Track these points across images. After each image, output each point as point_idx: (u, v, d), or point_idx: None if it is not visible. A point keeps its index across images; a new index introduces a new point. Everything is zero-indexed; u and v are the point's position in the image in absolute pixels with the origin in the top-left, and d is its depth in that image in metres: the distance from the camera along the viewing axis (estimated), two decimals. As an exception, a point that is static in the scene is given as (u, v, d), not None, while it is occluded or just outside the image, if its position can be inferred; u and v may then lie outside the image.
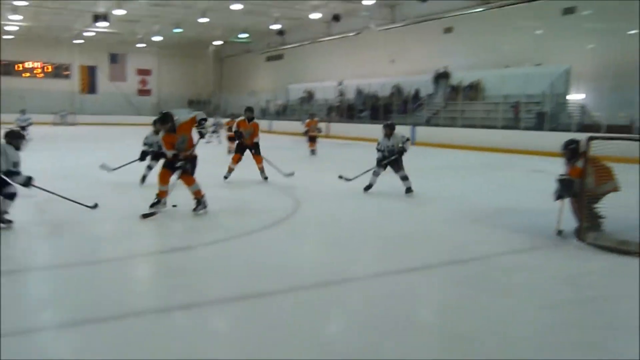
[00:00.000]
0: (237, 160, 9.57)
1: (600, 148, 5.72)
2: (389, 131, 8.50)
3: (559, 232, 5.79)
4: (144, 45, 37.59)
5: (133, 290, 4.17)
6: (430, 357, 3.06)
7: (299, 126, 18.25)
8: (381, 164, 8.42)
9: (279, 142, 16.21)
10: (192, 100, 41.00)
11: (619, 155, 5.65)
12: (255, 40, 34.33)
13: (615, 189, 5.73)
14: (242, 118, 9.73)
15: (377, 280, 4.44)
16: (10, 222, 5.70)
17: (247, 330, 3.38)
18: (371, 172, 8.58)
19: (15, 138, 5.78)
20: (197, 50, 41.00)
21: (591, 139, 5.65)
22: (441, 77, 23.61)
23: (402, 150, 8.40)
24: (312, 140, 16.31)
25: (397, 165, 8.41)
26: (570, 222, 5.78)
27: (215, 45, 39.65)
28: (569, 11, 20.01)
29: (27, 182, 5.72)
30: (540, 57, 20.60)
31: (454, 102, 22.36)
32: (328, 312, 3.80)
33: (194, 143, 6.70)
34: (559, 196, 5.84)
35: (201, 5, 25.55)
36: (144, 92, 42.08)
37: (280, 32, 30.61)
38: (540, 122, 18.28)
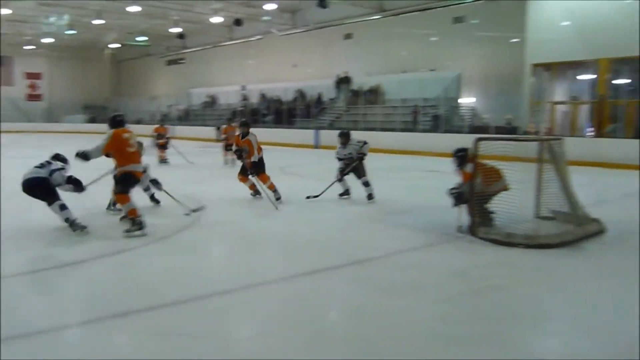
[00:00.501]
0: (245, 181, 8.50)
1: (488, 148, 6.18)
2: (345, 140, 8.41)
3: (459, 228, 6.16)
4: (33, 47, 35.28)
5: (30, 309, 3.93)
6: (333, 357, 3.15)
7: (208, 132, 17.32)
8: (343, 172, 8.37)
9: (184, 149, 15.67)
10: (87, 105, 39.03)
11: (511, 155, 6.15)
12: (154, 44, 33.33)
13: (505, 188, 6.19)
14: (237, 133, 8.67)
15: (281, 284, 4.49)
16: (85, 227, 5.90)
17: (157, 343, 3.30)
18: (336, 182, 8.50)
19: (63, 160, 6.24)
20: (92, 53, 39.10)
21: (479, 140, 6.07)
22: (342, 81, 24.18)
23: (362, 156, 8.35)
24: (229, 148, 13.76)
25: (359, 172, 8.33)
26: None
27: (111, 48, 38.03)
28: (458, 20, 21.26)
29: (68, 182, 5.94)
30: (434, 63, 21.73)
31: (355, 106, 22.99)
32: (236, 318, 3.80)
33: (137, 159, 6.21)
34: (456, 204, 6.27)
35: (95, 7, 24.43)
36: (33, 97, 39.47)
37: (180, 36, 29.92)
38: (436, 125, 19.24)
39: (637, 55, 15.62)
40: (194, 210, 6.85)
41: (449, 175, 6.47)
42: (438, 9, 21.22)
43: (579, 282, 4.64)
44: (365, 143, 8.37)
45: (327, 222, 7.12)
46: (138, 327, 3.54)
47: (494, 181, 6.20)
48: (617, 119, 15.72)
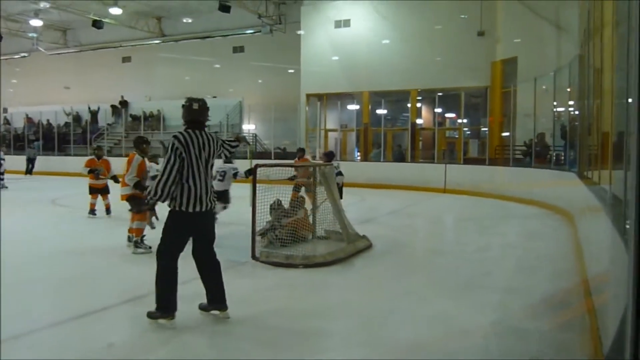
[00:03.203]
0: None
1: (266, 173, 6.72)
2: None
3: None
4: None
5: None
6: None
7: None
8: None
9: None
10: None
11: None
12: None
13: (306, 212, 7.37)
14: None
15: (51, 331, 4.03)
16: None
17: None
18: None
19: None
20: None
21: (257, 166, 6.36)
22: (121, 106, 23.16)
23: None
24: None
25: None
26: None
27: None
28: (238, 49, 21.98)
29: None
30: (216, 90, 22.05)
31: (136, 131, 22.10)
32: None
33: None
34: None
35: None
36: None
37: None
38: (220, 151, 19.44)
39: (391, 89, 17.95)
40: None
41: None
42: (218, 37, 21.68)
43: (351, 296, 5.04)
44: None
45: (99, 258, 6.50)
46: None
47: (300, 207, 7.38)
48: (379, 145, 17.67)
